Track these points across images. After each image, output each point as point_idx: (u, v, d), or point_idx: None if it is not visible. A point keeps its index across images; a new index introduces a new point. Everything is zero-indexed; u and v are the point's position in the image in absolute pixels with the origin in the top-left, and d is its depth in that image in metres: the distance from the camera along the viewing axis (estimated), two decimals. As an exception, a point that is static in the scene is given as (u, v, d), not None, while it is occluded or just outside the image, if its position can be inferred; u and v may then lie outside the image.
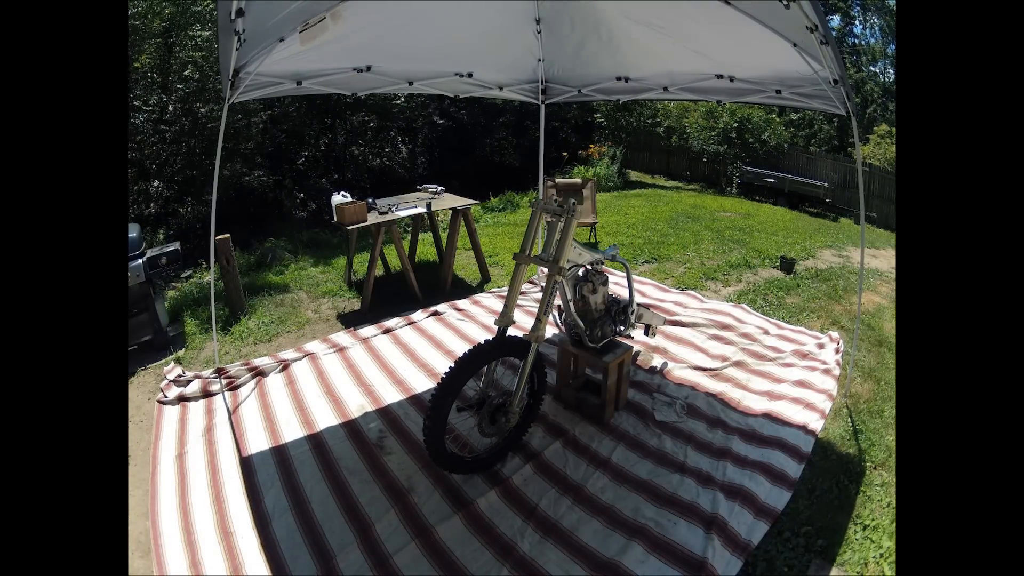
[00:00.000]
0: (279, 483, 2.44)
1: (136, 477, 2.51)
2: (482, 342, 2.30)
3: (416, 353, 3.61)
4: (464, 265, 5.42)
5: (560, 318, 2.98)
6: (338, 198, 4.28)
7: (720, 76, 3.21)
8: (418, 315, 4.14)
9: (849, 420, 2.90)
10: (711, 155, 11.82)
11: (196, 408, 3.01)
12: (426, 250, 5.90)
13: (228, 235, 4.04)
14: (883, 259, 6.62)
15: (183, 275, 5.71)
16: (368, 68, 3.32)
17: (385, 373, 3.36)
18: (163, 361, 3.54)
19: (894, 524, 2.19)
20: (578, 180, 6.40)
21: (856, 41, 21.31)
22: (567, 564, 2.03)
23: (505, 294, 2.87)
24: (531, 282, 4.82)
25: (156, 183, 7.97)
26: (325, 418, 2.91)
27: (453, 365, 2.20)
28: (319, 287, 4.89)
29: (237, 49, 2.41)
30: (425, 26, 3.16)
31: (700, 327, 3.93)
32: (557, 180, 6.32)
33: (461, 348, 3.48)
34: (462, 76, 3.81)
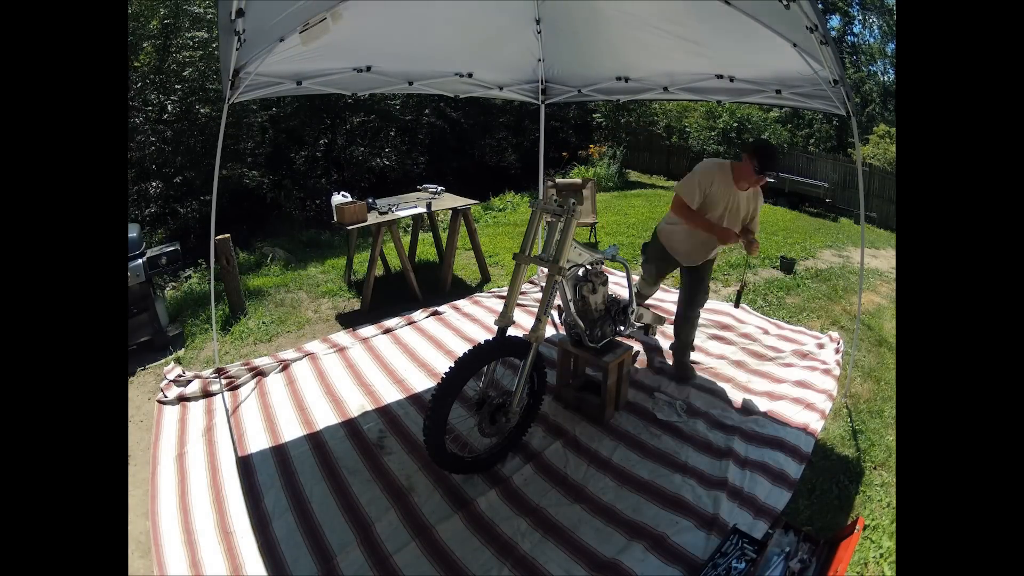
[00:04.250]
0: (279, 483, 2.44)
1: (136, 477, 2.51)
2: (482, 342, 2.30)
3: (416, 353, 3.61)
4: (464, 265, 5.42)
5: (560, 318, 2.98)
6: (338, 198, 4.28)
7: (720, 76, 3.21)
8: (418, 315, 4.14)
9: (849, 420, 2.90)
10: (711, 155, 11.82)
11: (196, 408, 3.01)
12: (426, 250, 5.90)
13: (228, 235, 4.04)
14: (883, 259, 6.62)
15: (183, 275, 5.72)
16: (368, 68, 3.32)
17: (385, 373, 3.36)
18: (163, 361, 3.54)
19: (894, 524, 2.19)
20: (578, 180, 6.40)
21: (856, 41, 21.30)
22: (567, 564, 2.04)
23: (505, 294, 2.87)
24: (531, 282, 4.82)
25: (156, 183, 7.96)
26: (325, 418, 2.91)
27: (453, 365, 2.20)
28: (319, 287, 4.89)
29: (237, 49, 2.41)
30: (425, 26, 3.16)
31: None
32: (557, 180, 6.31)
33: (461, 348, 3.48)
34: (462, 76, 3.81)
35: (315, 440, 2.73)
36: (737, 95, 3.36)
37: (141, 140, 7.72)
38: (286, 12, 2.39)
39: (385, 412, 2.96)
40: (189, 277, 5.68)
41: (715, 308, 4.29)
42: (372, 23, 2.91)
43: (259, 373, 3.32)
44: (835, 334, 3.85)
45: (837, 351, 3.57)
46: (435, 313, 4.19)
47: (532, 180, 7.36)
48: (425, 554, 2.07)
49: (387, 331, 3.91)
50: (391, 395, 3.13)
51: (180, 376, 3.25)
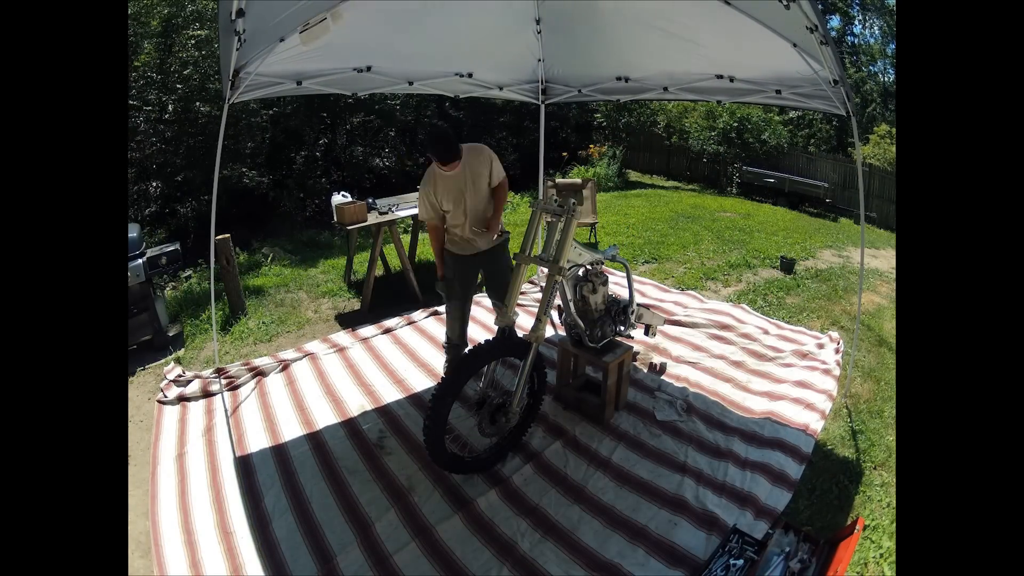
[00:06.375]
0: (279, 483, 2.44)
1: (136, 477, 2.51)
2: (482, 342, 2.30)
3: (416, 353, 3.61)
4: (464, 265, 5.41)
5: (560, 318, 2.98)
6: (338, 198, 4.28)
7: (720, 76, 3.21)
8: (418, 315, 4.14)
9: (849, 420, 2.90)
10: (711, 155, 11.81)
11: (196, 408, 3.01)
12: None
13: (228, 235, 4.04)
14: (883, 259, 6.62)
15: (183, 275, 5.72)
16: (368, 68, 3.32)
17: (385, 373, 3.36)
18: (163, 361, 3.54)
19: (894, 524, 2.19)
20: (578, 180, 6.40)
21: (856, 41, 21.30)
22: (567, 564, 2.04)
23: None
24: (531, 282, 4.82)
25: (156, 183, 7.96)
26: (325, 418, 2.91)
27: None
28: (319, 287, 4.89)
29: (237, 49, 2.41)
30: (425, 26, 3.16)
31: (700, 327, 3.93)
32: (557, 180, 6.32)
33: (461, 348, 3.48)
34: (462, 76, 3.81)
35: (315, 440, 2.73)
36: (737, 95, 3.36)
37: (141, 140, 7.71)
38: (286, 12, 2.39)
39: (385, 412, 2.96)
40: (189, 277, 5.67)
41: (715, 308, 4.29)
42: (372, 23, 2.91)
43: (259, 373, 3.32)
44: (835, 334, 3.85)
45: (837, 351, 3.57)
46: (435, 313, 4.19)
47: (532, 180, 7.36)
48: (425, 554, 2.07)
49: (387, 331, 3.91)
50: (391, 395, 3.13)
51: (180, 376, 3.25)
